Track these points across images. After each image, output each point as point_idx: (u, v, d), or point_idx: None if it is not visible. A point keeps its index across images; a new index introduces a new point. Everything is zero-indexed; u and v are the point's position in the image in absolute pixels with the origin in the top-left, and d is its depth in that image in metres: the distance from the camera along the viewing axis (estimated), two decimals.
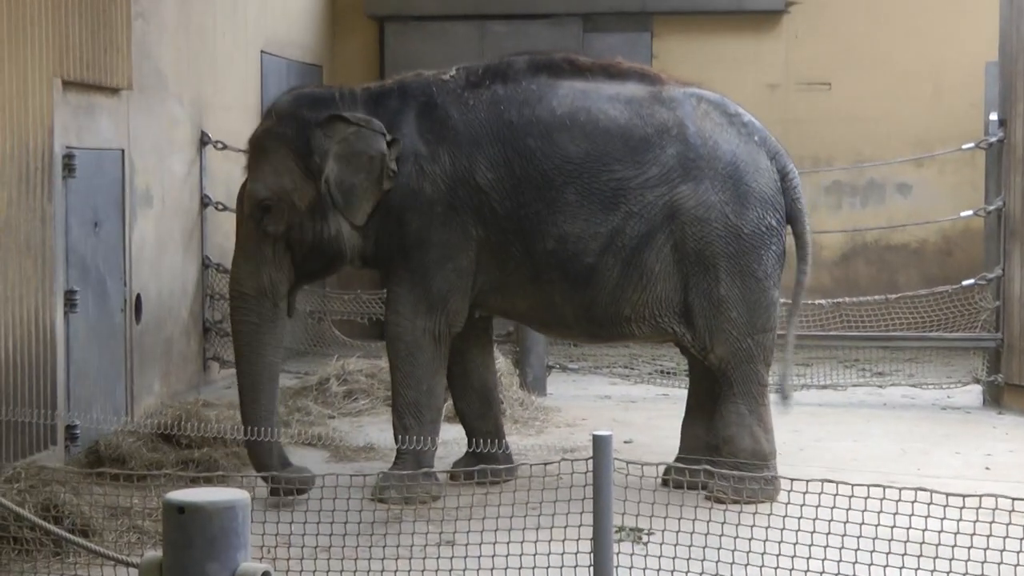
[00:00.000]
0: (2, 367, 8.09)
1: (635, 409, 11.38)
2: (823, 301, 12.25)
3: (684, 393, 9.29)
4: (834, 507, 5.29)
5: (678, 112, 8.38)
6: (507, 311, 8.82)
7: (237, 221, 8.48)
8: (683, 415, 8.79)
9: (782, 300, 8.64)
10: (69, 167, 8.95)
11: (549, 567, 5.74)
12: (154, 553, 3.67)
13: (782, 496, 5.42)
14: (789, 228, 8.54)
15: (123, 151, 10.01)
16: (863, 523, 5.25)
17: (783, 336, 8.80)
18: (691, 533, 5.64)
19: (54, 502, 7.04)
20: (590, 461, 5.15)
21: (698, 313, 8.29)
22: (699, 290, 8.27)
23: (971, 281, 11.69)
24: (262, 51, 13.31)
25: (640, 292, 8.32)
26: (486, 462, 8.21)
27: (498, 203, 8.28)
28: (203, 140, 11.63)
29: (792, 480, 5.29)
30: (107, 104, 9.76)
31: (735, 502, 7.25)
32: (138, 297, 10.29)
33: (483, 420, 8.84)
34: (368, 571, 6.01)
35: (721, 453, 8.17)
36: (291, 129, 8.25)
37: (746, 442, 8.27)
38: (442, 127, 8.37)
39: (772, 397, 8.51)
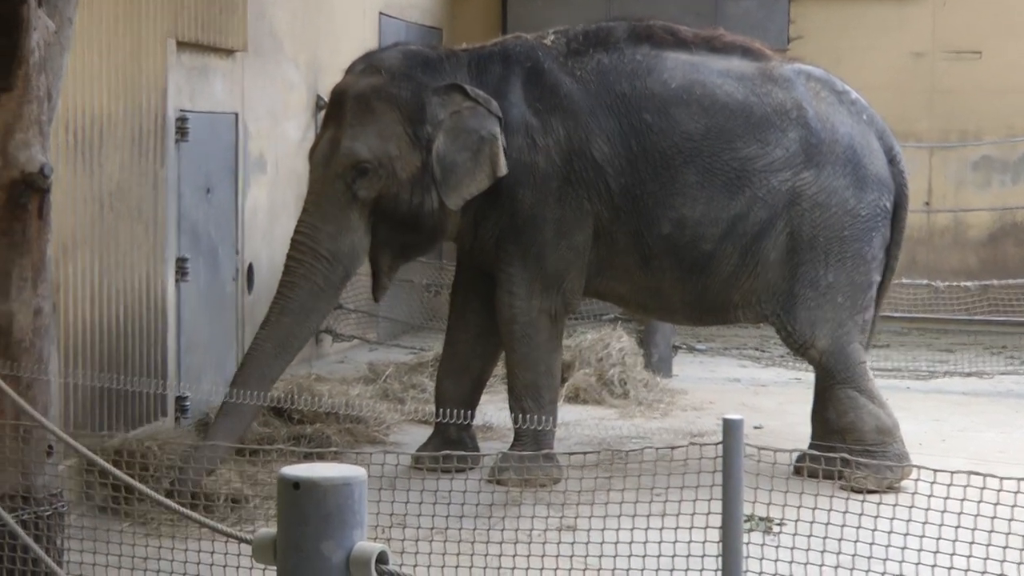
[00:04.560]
0: (112, 335, 8.23)
1: (765, 393, 11.30)
2: (969, 284, 12.09)
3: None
4: (980, 501, 5.20)
5: (793, 93, 8.34)
6: (603, 293, 8.78)
7: (314, 177, 8.21)
8: (812, 400, 8.72)
9: None
10: (182, 130, 9.07)
11: (675, 556, 5.72)
12: (267, 530, 3.71)
13: (923, 488, 5.33)
14: None
15: (237, 115, 10.12)
16: (1012, 519, 5.15)
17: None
18: (825, 524, 5.59)
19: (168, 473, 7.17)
20: (719, 446, 5.11)
21: (802, 303, 8.25)
22: (807, 278, 8.23)
23: None
24: (381, 13, 13.39)
25: (752, 280, 8.30)
26: (454, 447, 8.21)
27: (613, 180, 8.23)
28: (318, 104, 11.71)
29: (935, 471, 5.21)
30: (221, 66, 9.88)
31: (873, 492, 7.18)
32: (250, 266, 10.41)
33: (463, 405, 8.44)
34: (485, 555, 6.04)
35: (846, 442, 8.09)
36: (406, 92, 8.15)
37: (868, 423, 8.24)
38: (553, 96, 8.30)
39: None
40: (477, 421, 8.96)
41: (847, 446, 7.92)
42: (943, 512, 5.28)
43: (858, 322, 8.35)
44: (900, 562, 5.43)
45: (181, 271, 9.10)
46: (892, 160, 8.50)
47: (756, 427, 9.69)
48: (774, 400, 10.93)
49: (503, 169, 8.09)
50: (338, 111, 8.21)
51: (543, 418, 8.06)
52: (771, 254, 8.27)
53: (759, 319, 8.57)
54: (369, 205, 8.12)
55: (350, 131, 8.10)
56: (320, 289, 8.09)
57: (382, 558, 3.57)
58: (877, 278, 8.45)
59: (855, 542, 5.46)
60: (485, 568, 6.06)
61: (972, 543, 5.26)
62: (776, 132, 8.28)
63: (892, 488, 7.73)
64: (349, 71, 8.41)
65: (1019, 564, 5.21)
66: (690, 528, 5.77)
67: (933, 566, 5.28)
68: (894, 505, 5.54)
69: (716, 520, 5.20)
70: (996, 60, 15.05)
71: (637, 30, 8.53)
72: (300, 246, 8.12)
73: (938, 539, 5.29)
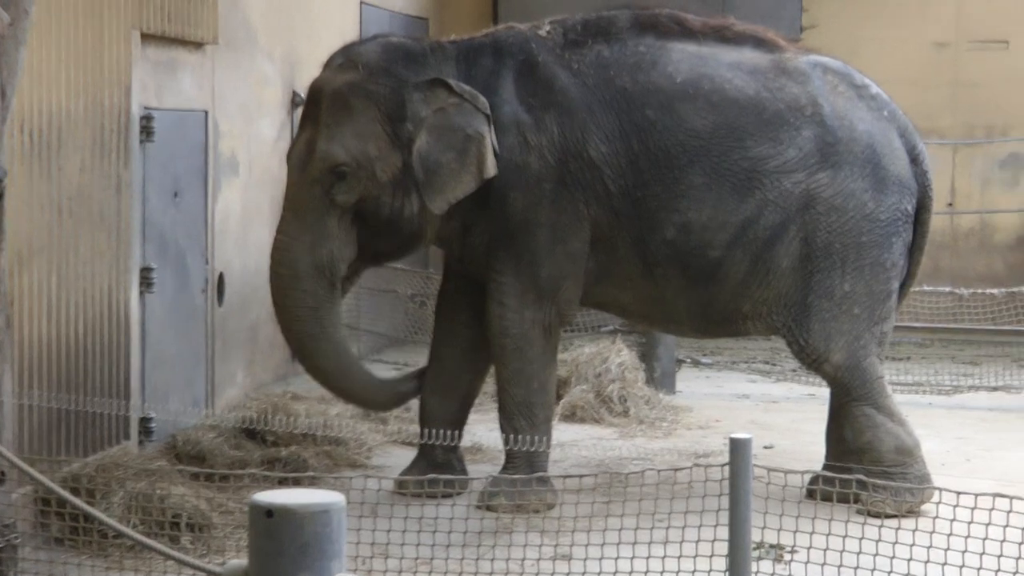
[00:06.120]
0: (71, 352, 8.23)
1: (777, 411, 11.31)
2: (996, 291, 12.11)
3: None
4: (1007, 526, 5.22)
5: (808, 88, 8.35)
6: (603, 303, 8.82)
7: (291, 182, 8.33)
8: (828, 418, 8.73)
9: None
10: (147, 130, 9.07)
11: None
12: (238, 561, 3.72)
13: (946, 512, 5.36)
14: None
15: (207, 113, 10.13)
16: None
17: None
18: (840, 551, 5.60)
19: (136, 501, 7.18)
20: (726, 468, 5.13)
21: (816, 315, 8.27)
22: (822, 288, 8.25)
23: None
24: (362, 2, 13.42)
25: (763, 289, 8.31)
26: (441, 471, 8.22)
27: (612, 181, 8.25)
28: (295, 101, 11.72)
29: (959, 494, 5.23)
30: (190, 60, 9.89)
31: (892, 516, 7.20)
32: (221, 276, 10.42)
33: (450, 425, 8.50)
34: None
35: (863, 463, 8.10)
36: (384, 88, 8.18)
37: (887, 443, 8.27)
38: (547, 91, 8.32)
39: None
40: (465, 442, 8.97)
41: (864, 467, 7.93)
42: (967, 538, 5.30)
43: (876, 334, 8.36)
44: None
45: (146, 282, 9.09)
46: (915, 159, 8.51)
47: (766, 447, 9.71)
48: (786, 418, 10.94)
49: (491, 170, 8.12)
50: (314, 110, 8.27)
51: (537, 438, 8.06)
52: (783, 261, 8.28)
53: (770, 331, 8.58)
54: (350, 210, 8.17)
55: (326, 132, 8.15)
56: (314, 308, 8.24)
57: None
58: (897, 286, 8.46)
59: (872, 571, 5.48)
60: None
61: (998, 571, 5.28)
62: (789, 130, 8.29)
63: (912, 512, 7.74)
64: (327, 66, 8.45)
65: None
66: (695, 556, 5.79)
67: None
68: (914, 530, 5.56)
69: (723, 547, 5.22)
70: None
71: (641, 19, 8.55)
72: (279, 266, 8.30)
73: (961, 567, 5.30)
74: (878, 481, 6.74)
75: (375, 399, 8.89)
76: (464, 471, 8.73)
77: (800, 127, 8.30)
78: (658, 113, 8.27)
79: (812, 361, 8.42)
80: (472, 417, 9.00)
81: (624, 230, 8.29)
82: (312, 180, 8.15)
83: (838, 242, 8.27)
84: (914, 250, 8.59)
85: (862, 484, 6.28)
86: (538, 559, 6.50)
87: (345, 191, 8.13)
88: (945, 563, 5.33)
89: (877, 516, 7.21)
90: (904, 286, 8.64)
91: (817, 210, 8.26)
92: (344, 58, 8.38)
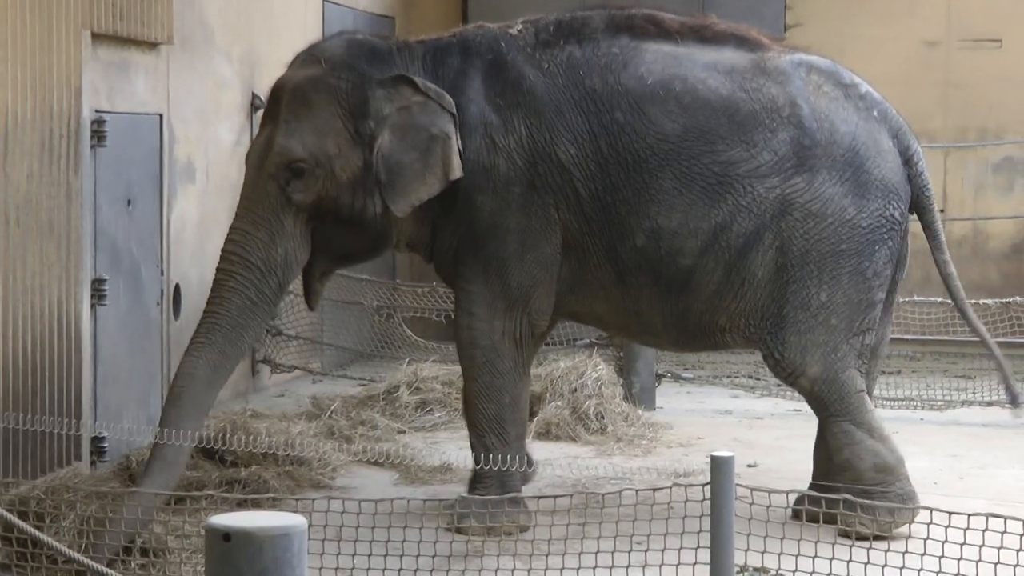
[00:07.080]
0: (20, 368, 8.20)
1: (761, 427, 11.32)
2: (989, 301, 12.12)
3: None
4: (1001, 547, 5.24)
5: (788, 88, 8.34)
6: (579, 314, 8.82)
7: (248, 179, 8.30)
8: (816, 435, 8.74)
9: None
10: (99, 134, 9.06)
11: None
12: None
13: (937, 533, 5.37)
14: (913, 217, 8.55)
15: (161, 116, 10.12)
16: None
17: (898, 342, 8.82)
18: (827, 574, 5.61)
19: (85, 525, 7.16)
20: (708, 487, 5.14)
21: (792, 327, 8.25)
22: (798, 299, 8.22)
23: None
24: None
25: (739, 300, 8.30)
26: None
27: (582, 184, 8.25)
28: (255, 104, 11.72)
29: (950, 514, 5.25)
30: (144, 61, 9.87)
31: (879, 537, 7.21)
32: (177, 288, 10.40)
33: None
34: None
35: (843, 482, 8.09)
36: (346, 83, 8.19)
37: (866, 460, 8.26)
38: (515, 91, 8.33)
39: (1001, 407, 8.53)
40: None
41: (844, 486, 7.92)
42: (959, 560, 5.32)
43: (855, 346, 8.34)
44: None
45: (98, 294, 9.08)
46: (908, 161, 8.48)
47: (750, 465, 9.72)
48: (771, 435, 10.95)
49: (457, 171, 8.12)
50: (275, 108, 8.28)
51: (508, 457, 8.05)
52: (759, 271, 8.26)
53: (748, 344, 8.56)
54: (307, 209, 8.15)
55: (284, 127, 8.15)
56: (252, 303, 8.12)
57: None
58: (881, 296, 8.44)
59: None
60: None
61: None
62: (764, 132, 8.29)
63: (891, 533, 7.73)
64: (290, 64, 8.45)
65: None
66: None
67: None
68: (904, 552, 5.58)
69: (704, 571, 5.23)
70: (1018, 49, 15.14)
71: (616, 20, 8.55)
72: (230, 256, 8.18)
73: None
74: (866, 501, 6.75)
75: (174, 422, 7.80)
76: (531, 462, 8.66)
77: (776, 129, 8.29)
78: (627, 115, 8.28)
79: (788, 375, 8.40)
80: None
81: (596, 236, 8.29)
82: (268, 176, 8.13)
83: (815, 250, 8.24)
84: (935, 251, 8.57)
85: (849, 504, 6.30)
86: None
87: (302, 189, 8.10)
88: None
89: (859, 537, 7.22)
90: (955, 298, 8.60)
91: (794, 217, 8.25)
92: (307, 55, 8.40)
